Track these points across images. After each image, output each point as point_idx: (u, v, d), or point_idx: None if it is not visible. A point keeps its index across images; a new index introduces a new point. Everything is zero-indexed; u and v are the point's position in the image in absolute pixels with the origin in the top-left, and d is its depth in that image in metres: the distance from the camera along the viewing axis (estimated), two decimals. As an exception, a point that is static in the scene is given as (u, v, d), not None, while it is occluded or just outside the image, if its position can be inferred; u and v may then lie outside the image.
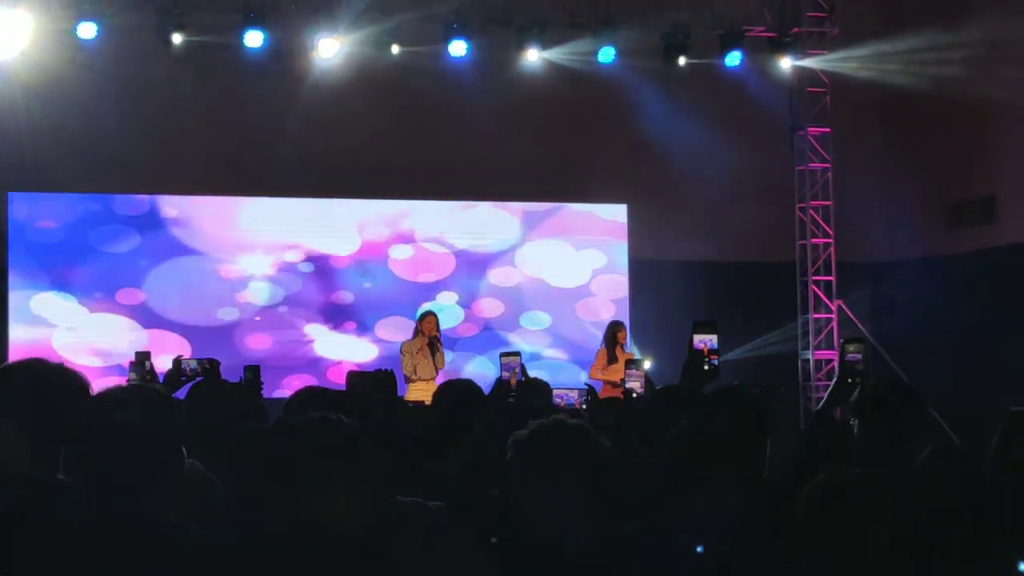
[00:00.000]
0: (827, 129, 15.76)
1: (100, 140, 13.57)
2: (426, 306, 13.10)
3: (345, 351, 14.36)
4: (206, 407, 5.29)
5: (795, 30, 15.32)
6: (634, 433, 4.85)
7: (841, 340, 5.58)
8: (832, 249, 15.76)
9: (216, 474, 4.08)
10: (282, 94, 14.16)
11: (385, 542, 3.21)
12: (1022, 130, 14.09)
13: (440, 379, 11.26)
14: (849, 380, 5.12)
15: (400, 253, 14.67)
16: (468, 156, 14.42)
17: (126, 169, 13.85)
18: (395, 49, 14.10)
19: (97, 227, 13.92)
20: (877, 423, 4.28)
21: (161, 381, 6.45)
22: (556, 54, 14.59)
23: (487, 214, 14.99)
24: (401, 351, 12.09)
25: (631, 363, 7.14)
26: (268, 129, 14.10)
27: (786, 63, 15.33)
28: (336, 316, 14.47)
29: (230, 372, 6.52)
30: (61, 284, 13.73)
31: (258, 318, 14.21)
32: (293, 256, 14.38)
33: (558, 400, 6.74)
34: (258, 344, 14.13)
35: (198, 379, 6.23)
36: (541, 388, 7.07)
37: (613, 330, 12.60)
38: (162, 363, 6.89)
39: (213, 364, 6.40)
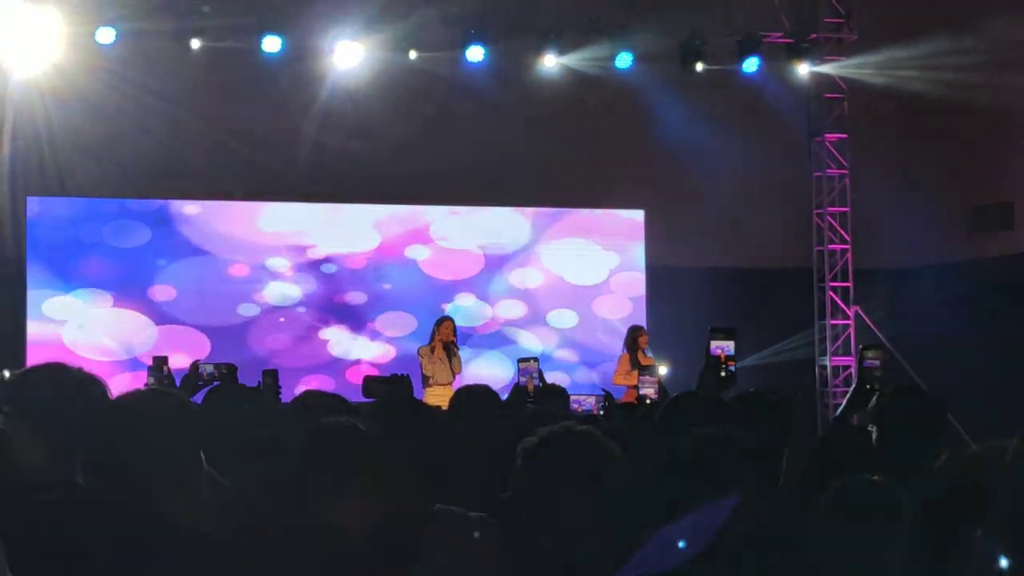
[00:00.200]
0: (844, 135, 15.73)
1: (119, 144, 13.62)
2: (448, 308, 13.18)
3: (362, 352, 14.42)
4: (223, 412, 5.29)
5: (812, 36, 15.27)
6: (650, 439, 4.84)
7: (860, 346, 5.56)
8: (849, 255, 15.72)
9: (231, 478, 4.08)
10: (300, 99, 14.19)
11: (410, 548, 3.21)
12: (1040, 136, 14.06)
13: (457, 384, 11.30)
14: (867, 387, 5.11)
15: (417, 254, 14.72)
16: (485, 161, 14.41)
17: (145, 173, 13.88)
18: (412, 54, 14.11)
19: (114, 228, 14.01)
20: (895, 430, 4.27)
21: (178, 385, 6.48)
22: (573, 59, 14.58)
23: (503, 217, 15.02)
24: (418, 355, 12.14)
25: (645, 369, 7.15)
26: (286, 134, 14.13)
27: (803, 69, 15.30)
28: (353, 317, 14.51)
29: (245, 372, 6.53)
30: (78, 283, 13.81)
31: (282, 319, 14.28)
32: (310, 257, 14.43)
33: (575, 406, 6.73)
34: (275, 345, 14.19)
35: (215, 383, 6.25)
36: (558, 394, 7.07)
37: (634, 335, 12.59)
38: (176, 361, 6.90)
39: (231, 369, 6.43)
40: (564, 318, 14.95)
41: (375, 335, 14.51)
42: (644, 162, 15.03)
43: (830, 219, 15.77)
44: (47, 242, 13.79)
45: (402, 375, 5.92)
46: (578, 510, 3.42)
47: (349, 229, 14.59)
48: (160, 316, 14.00)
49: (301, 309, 14.39)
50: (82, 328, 13.79)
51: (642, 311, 14.86)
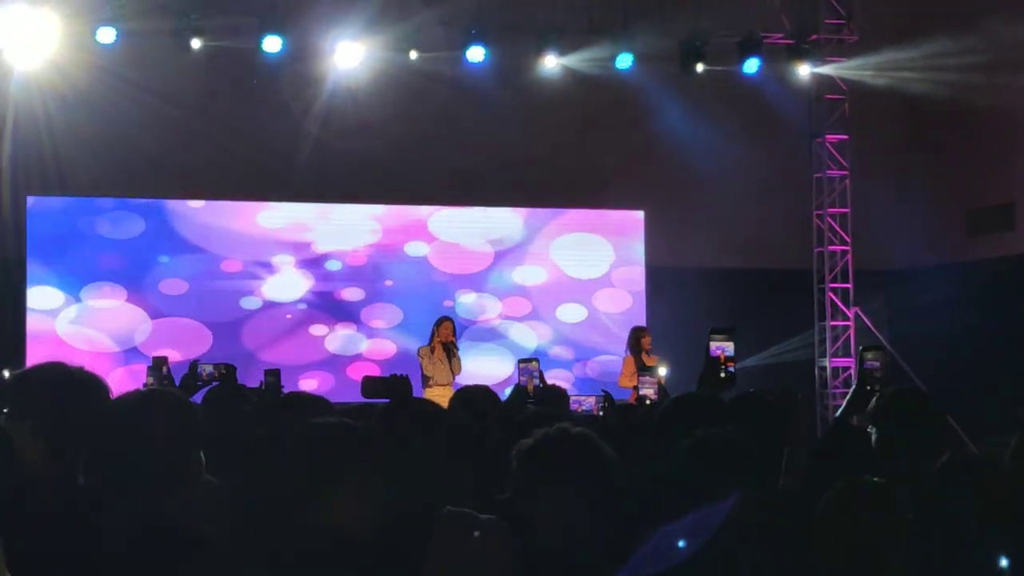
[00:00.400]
0: (845, 136, 15.72)
1: (119, 143, 13.62)
2: (449, 305, 13.24)
3: (361, 349, 14.48)
4: (223, 412, 5.28)
5: (813, 37, 15.26)
6: (650, 440, 4.83)
7: (860, 347, 5.54)
8: (849, 256, 15.71)
9: (230, 479, 4.08)
10: (300, 99, 14.19)
11: (416, 549, 3.21)
12: (1041, 138, 14.07)
13: (456, 384, 11.32)
14: (867, 388, 5.10)
15: (417, 251, 14.74)
16: (485, 161, 14.41)
17: (145, 172, 13.91)
18: (413, 55, 14.12)
19: (114, 227, 14.06)
20: (895, 431, 4.27)
21: (176, 385, 6.47)
22: (574, 60, 14.58)
23: (503, 217, 15.05)
24: (418, 355, 12.16)
25: (644, 370, 7.15)
26: (286, 134, 14.13)
27: (804, 70, 15.29)
28: (353, 314, 14.53)
29: (244, 369, 6.52)
30: (78, 280, 13.87)
31: (289, 316, 14.33)
32: (310, 254, 14.47)
33: (575, 406, 6.73)
34: (274, 341, 14.23)
35: (214, 383, 6.24)
36: (558, 395, 7.07)
37: (637, 336, 12.59)
38: (175, 357, 6.90)
39: (230, 369, 6.41)
40: (565, 313, 15.00)
41: (375, 332, 14.54)
42: (644, 162, 15.04)
43: (830, 220, 15.76)
44: (47, 241, 13.82)
45: (402, 375, 5.90)
46: (573, 511, 3.43)
47: (349, 226, 14.64)
48: (161, 312, 14.06)
49: (301, 306, 14.42)
50: (81, 324, 13.83)
51: (642, 305, 14.91)
